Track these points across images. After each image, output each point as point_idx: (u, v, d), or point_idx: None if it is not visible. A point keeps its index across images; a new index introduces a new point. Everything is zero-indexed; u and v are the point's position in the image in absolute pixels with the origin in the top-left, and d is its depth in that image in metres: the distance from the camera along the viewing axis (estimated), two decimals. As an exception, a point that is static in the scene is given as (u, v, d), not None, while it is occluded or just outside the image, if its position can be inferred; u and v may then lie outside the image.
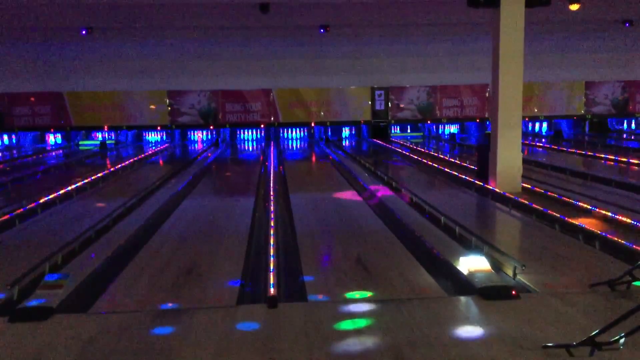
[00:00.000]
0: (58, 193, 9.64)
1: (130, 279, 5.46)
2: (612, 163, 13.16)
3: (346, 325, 4.21)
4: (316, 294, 4.98)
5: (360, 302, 4.69)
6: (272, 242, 6.23)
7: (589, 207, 7.87)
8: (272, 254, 5.77)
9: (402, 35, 16.14)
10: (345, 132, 21.62)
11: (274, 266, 5.33)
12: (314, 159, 16.65)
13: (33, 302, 4.59)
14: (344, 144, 19.59)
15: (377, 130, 20.42)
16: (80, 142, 20.66)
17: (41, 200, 8.95)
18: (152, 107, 19.42)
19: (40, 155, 17.72)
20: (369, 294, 4.94)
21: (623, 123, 21.96)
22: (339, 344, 3.87)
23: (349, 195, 9.93)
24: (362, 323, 4.24)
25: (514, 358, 3.62)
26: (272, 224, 7.10)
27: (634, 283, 4.77)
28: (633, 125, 21.87)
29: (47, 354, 3.82)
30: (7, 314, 4.46)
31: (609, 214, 7.40)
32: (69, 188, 10.20)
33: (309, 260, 6.00)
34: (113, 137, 20.90)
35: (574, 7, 11.74)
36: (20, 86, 18.94)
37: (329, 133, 20.91)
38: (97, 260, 6.01)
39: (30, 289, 4.94)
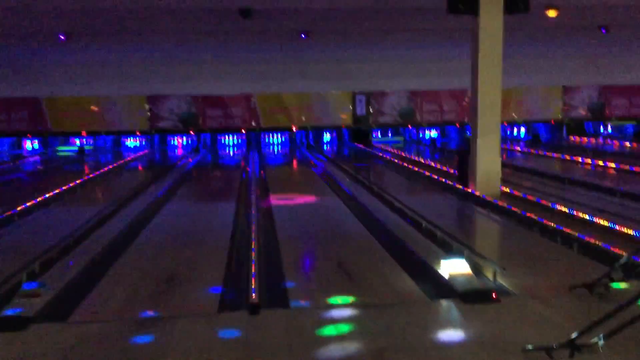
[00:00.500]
0: (35, 200, 9.49)
1: (109, 287, 5.39)
2: (589, 167, 13.36)
3: (328, 330, 4.21)
4: (298, 300, 4.96)
5: (342, 307, 4.68)
6: (253, 248, 6.20)
7: (566, 210, 7.97)
8: (253, 259, 5.74)
9: (383, 41, 16.22)
10: (327, 136, 21.66)
11: (255, 272, 5.31)
12: (295, 164, 16.65)
13: (10, 312, 4.51)
14: (325, 149, 19.62)
15: (358, 135, 20.49)
16: (59, 148, 20.40)
17: (18, 208, 8.80)
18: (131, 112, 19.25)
19: (17, 162, 17.47)
20: (350, 299, 4.93)
21: (599, 127, 22.32)
22: (321, 350, 3.87)
23: (331, 200, 9.94)
24: (344, 328, 4.24)
25: (495, 361, 3.65)
26: (253, 230, 7.08)
27: (612, 285, 4.83)
28: (610, 129, 22.24)
29: (24, 365, 3.76)
30: (-17, 324, 4.37)
31: (587, 216, 7.50)
32: (47, 195, 10.05)
33: (291, 265, 5.99)
34: (91, 143, 20.67)
35: (552, 13, 11.91)
36: (-3, 91, 18.66)
37: (310, 138, 20.92)
38: (75, 268, 5.93)
39: (7, 298, 4.85)
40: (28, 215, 8.81)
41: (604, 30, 14.07)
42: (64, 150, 20.16)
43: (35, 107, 19.03)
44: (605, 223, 7.09)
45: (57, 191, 10.50)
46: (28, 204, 9.18)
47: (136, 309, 4.80)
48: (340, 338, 4.08)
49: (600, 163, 13.25)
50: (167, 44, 16.20)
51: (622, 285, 4.84)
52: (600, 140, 20.00)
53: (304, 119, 19.88)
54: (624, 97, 20.95)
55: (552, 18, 12.00)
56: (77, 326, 4.42)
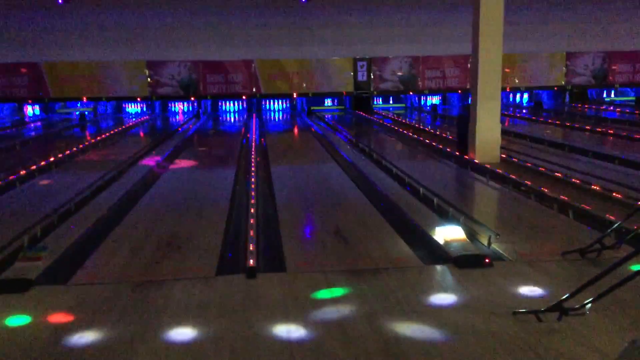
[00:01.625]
0: (36, 165, 9.55)
1: (109, 250, 5.48)
2: (589, 134, 13.33)
3: (323, 294, 4.29)
4: (295, 265, 5.04)
5: (337, 272, 4.76)
6: (252, 213, 6.27)
7: (564, 177, 8.01)
8: (251, 225, 5.81)
9: (384, 5, 16.04)
10: (328, 103, 21.56)
11: (253, 237, 5.39)
12: (295, 130, 16.63)
13: (12, 275, 4.60)
14: (325, 116, 19.56)
15: (359, 102, 20.37)
16: (59, 111, 20.40)
17: (20, 173, 8.87)
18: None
19: (19, 127, 17.48)
20: (346, 264, 5.01)
21: (603, 93, 22.18)
22: (315, 313, 3.95)
23: (330, 167, 9.98)
24: (339, 292, 4.33)
25: (486, 324, 3.73)
26: (253, 196, 7.14)
27: (603, 250, 4.90)
28: (612, 95, 22.11)
29: (26, 325, 3.86)
30: (-15, 287, 4.46)
31: (584, 183, 7.54)
32: (48, 160, 10.11)
33: (289, 231, 6.06)
34: (91, 111, 20.62)
35: (555, -23, 11.73)
36: (-4, 57, 18.56)
37: (311, 104, 20.84)
38: (76, 232, 6.01)
39: (9, 262, 4.94)
40: (29, 180, 8.88)
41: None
42: (63, 113, 20.13)
43: (35, 73, 18.94)
44: (602, 189, 7.13)
45: (58, 157, 10.55)
46: (29, 169, 9.24)
47: (135, 272, 4.89)
48: (334, 301, 4.17)
49: (601, 130, 13.22)
50: (168, 9, 16.05)
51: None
52: (603, 107, 19.89)
53: (304, 85, 19.77)
54: (628, 63, 20.75)
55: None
56: (77, 288, 4.52)
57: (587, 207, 6.32)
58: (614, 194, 6.92)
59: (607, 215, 5.93)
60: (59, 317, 3.96)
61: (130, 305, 4.14)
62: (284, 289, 4.40)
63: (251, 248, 5.06)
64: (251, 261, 4.80)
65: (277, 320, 3.86)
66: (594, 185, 7.38)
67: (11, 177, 8.60)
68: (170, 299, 4.24)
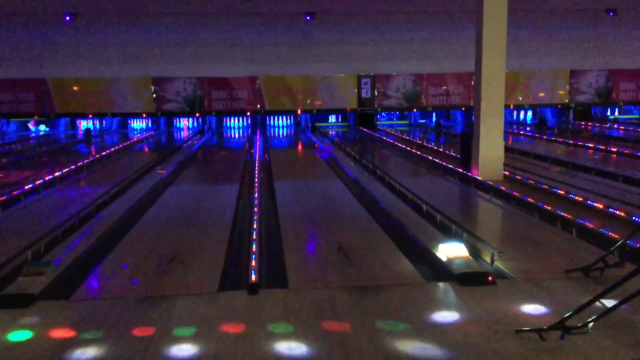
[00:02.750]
0: (42, 180, 9.60)
1: (113, 266, 5.49)
2: (593, 151, 13.33)
3: (325, 310, 4.28)
4: (297, 281, 5.04)
5: (340, 289, 4.75)
6: (254, 229, 6.28)
7: (567, 194, 8.00)
8: (254, 241, 5.82)
9: (388, 23, 16.16)
10: (332, 119, 21.63)
11: (256, 253, 5.39)
12: (299, 146, 16.68)
13: (15, 290, 4.61)
14: (329, 132, 19.62)
15: (363, 118, 20.44)
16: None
17: (25, 188, 8.92)
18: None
19: (25, 143, 17.58)
20: (349, 280, 5.00)
21: (607, 111, 22.19)
22: (317, 329, 3.94)
23: (334, 183, 9.99)
24: (341, 309, 4.31)
25: (488, 342, 3.72)
26: (256, 212, 7.15)
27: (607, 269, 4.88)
28: (617, 113, 22.11)
29: (28, 341, 3.86)
30: (-12, 301, 4.48)
31: (587, 201, 7.53)
32: (53, 175, 10.16)
33: (292, 247, 6.06)
34: (96, 125, 20.74)
35: (558, -4, 11.83)
36: (3, 72, 18.72)
37: (315, 121, 20.92)
38: (80, 247, 6.03)
39: (12, 277, 4.96)
40: (34, 195, 8.92)
41: (611, 14, 13.97)
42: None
43: (42, 89, 19.10)
44: (605, 208, 7.12)
45: (63, 172, 10.60)
46: (35, 183, 9.29)
47: (138, 287, 4.89)
48: (337, 318, 4.15)
49: (604, 148, 13.21)
50: (173, 25, 16.22)
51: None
52: (607, 124, 19.89)
53: (308, 101, 19.87)
54: (632, 80, 20.79)
55: (558, 1, 11.92)
56: (80, 304, 4.52)
57: (591, 225, 6.30)
58: (617, 211, 6.91)
59: (610, 233, 5.91)
60: (61, 333, 3.96)
61: (133, 321, 4.14)
62: (285, 305, 4.39)
63: (253, 264, 5.06)
64: (253, 277, 4.80)
65: (278, 336, 3.85)
66: (598, 203, 7.37)
67: (16, 192, 8.64)
68: (172, 315, 4.24)
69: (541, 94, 20.61)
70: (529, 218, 7.22)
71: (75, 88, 19.16)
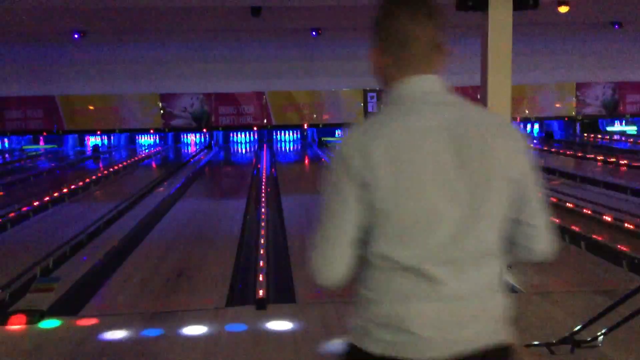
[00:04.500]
0: (50, 197, 9.66)
1: (120, 281, 5.50)
2: (601, 164, 13.29)
3: (334, 325, 4.27)
4: (305, 296, 5.03)
5: (349, 303, 4.73)
6: (262, 244, 6.28)
7: (575, 207, 7.97)
8: (262, 256, 5.83)
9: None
10: (338, 134, 21.67)
11: (263, 268, 5.39)
12: (306, 161, 16.72)
13: (24, 306, 4.63)
14: (336, 147, 19.62)
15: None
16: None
17: (33, 204, 8.97)
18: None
19: (33, 159, 17.72)
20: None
21: (613, 124, 22.14)
22: (325, 344, 3.93)
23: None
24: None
25: (497, 357, 3.68)
26: (263, 226, 7.16)
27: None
28: (624, 125, 22.04)
29: (36, 357, 3.87)
30: (-3, 317, 4.50)
31: (596, 214, 7.50)
32: (61, 192, 10.22)
33: (299, 262, 6.04)
34: (105, 141, 20.90)
35: (563, 9, 11.85)
36: (12, 90, 18.92)
37: (322, 135, 20.98)
38: (88, 263, 6.05)
39: (21, 292, 4.98)
40: (43, 212, 8.97)
41: (616, 26, 13.97)
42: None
43: (50, 106, 19.27)
44: (614, 221, 7.08)
45: (71, 188, 10.67)
46: (43, 200, 9.34)
47: (146, 303, 4.90)
48: (346, 333, 4.13)
49: (613, 160, 13.17)
50: (180, 42, 16.35)
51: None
52: (615, 137, 19.84)
53: (315, 116, 19.93)
54: (639, 93, 20.74)
55: (563, 13, 11.94)
56: (88, 320, 4.53)
57: (599, 238, 6.27)
58: (625, 224, 6.87)
59: (619, 247, 5.88)
60: (69, 348, 3.97)
61: (140, 337, 4.14)
62: (293, 320, 4.38)
63: (261, 279, 5.06)
64: (261, 292, 4.79)
65: (287, 351, 3.84)
66: (606, 216, 7.34)
67: (24, 209, 8.70)
68: (180, 331, 4.23)
69: (548, 107, 20.60)
70: (537, 231, 7.18)
71: (83, 105, 19.32)
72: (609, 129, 21.70)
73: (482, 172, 1.48)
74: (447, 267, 1.48)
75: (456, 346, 1.51)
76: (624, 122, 21.93)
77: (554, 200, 8.60)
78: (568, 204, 8.20)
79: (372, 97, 20.11)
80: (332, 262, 1.53)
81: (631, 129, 21.54)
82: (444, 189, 1.45)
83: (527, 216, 1.62)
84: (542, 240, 1.64)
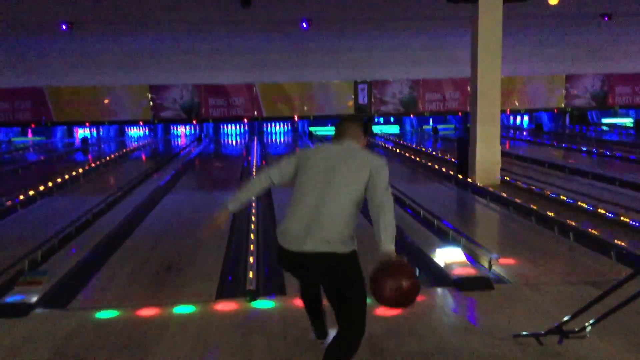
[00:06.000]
0: (38, 189, 9.58)
1: (110, 274, 5.47)
2: (591, 155, 13.36)
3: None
4: (295, 288, 5.02)
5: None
6: (252, 237, 6.27)
7: (564, 199, 8.01)
8: (252, 248, 5.81)
9: (384, 29, 16.18)
10: (329, 126, 21.65)
11: (253, 261, 5.38)
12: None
13: (12, 299, 4.60)
14: (327, 137, 19.64)
15: (360, 124, 20.38)
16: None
17: (20, 197, 8.90)
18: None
19: (21, 151, 17.56)
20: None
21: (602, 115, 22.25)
22: (313, 335, 3.92)
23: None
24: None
25: (486, 347, 3.71)
26: (253, 219, 7.14)
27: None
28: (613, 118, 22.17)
29: (25, 349, 3.84)
30: (-15, 311, 4.46)
31: (584, 205, 7.54)
32: (49, 184, 10.14)
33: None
34: (93, 133, 20.76)
35: (553, 1, 11.88)
36: (0, 81, 18.71)
37: (312, 127, 20.93)
38: (76, 256, 6.01)
39: (9, 286, 4.94)
40: (31, 204, 8.90)
41: (606, 18, 14.02)
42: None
43: (39, 97, 19.09)
44: (603, 212, 7.13)
45: (60, 180, 10.59)
46: (31, 193, 9.27)
47: (135, 296, 4.88)
48: (335, 325, 4.13)
49: (602, 151, 13.25)
50: (169, 33, 16.21)
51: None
52: (604, 128, 19.95)
53: (305, 108, 19.89)
54: (628, 85, 20.85)
55: (553, 5, 11.97)
56: (77, 313, 4.51)
57: (588, 229, 6.31)
58: (614, 215, 6.92)
59: (607, 238, 5.92)
60: (58, 342, 3.95)
61: (129, 330, 4.13)
62: (284, 313, 4.38)
63: (251, 272, 5.05)
64: (251, 285, 4.79)
65: (276, 342, 3.84)
66: (594, 207, 7.38)
67: (12, 201, 8.62)
68: (169, 323, 4.22)
69: (537, 99, 20.66)
70: (526, 223, 7.23)
71: (72, 96, 19.15)
72: (604, 120, 21.83)
73: (346, 168, 3.13)
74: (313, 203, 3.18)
75: (305, 247, 3.07)
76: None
77: (544, 191, 8.64)
78: (556, 196, 8.24)
79: (362, 89, 20.08)
80: (268, 169, 3.54)
81: (627, 121, 21.67)
82: (318, 171, 3.20)
83: (372, 194, 3.06)
84: (383, 202, 3.03)
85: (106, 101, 19.21)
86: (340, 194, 3.06)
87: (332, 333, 3.72)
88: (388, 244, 2.92)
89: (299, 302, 4.57)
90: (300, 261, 3.11)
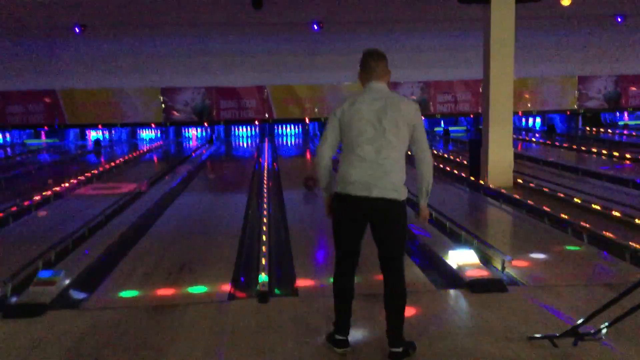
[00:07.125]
0: (52, 190, 9.66)
1: (123, 275, 5.50)
2: (604, 157, 13.25)
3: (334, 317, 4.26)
4: (307, 289, 5.03)
5: (350, 296, 4.72)
6: (264, 238, 6.28)
7: (578, 201, 7.95)
8: (264, 249, 5.82)
9: (395, 31, 16.18)
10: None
11: (265, 261, 5.39)
12: (308, 155, 16.69)
13: (27, 299, 4.63)
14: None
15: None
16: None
17: (35, 198, 8.97)
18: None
19: (35, 153, 17.71)
20: (359, 288, 4.98)
21: (616, 117, 22.07)
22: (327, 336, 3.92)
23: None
24: (352, 317, 4.29)
25: (500, 350, 3.69)
26: (265, 220, 7.15)
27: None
28: (626, 119, 21.98)
29: (40, 349, 3.87)
30: (0, 310, 4.50)
31: (598, 207, 7.48)
32: (63, 185, 10.22)
33: (301, 255, 6.06)
34: (106, 135, 20.89)
35: (566, 2, 11.82)
36: (13, 84, 18.90)
37: (323, 129, 20.93)
38: (90, 256, 6.05)
39: (24, 286, 4.98)
40: (44, 205, 8.97)
41: (618, 19, 13.92)
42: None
43: (52, 100, 19.25)
44: (617, 214, 7.07)
45: (73, 181, 10.67)
46: (45, 193, 9.35)
47: (149, 296, 4.90)
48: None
49: (616, 154, 13.14)
50: (182, 36, 16.31)
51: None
52: (617, 130, 19.77)
53: (316, 110, 19.90)
54: (641, 86, 20.67)
55: (566, 6, 11.90)
56: (91, 313, 4.53)
57: (602, 232, 6.26)
58: (628, 217, 6.85)
59: (622, 240, 5.86)
60: (73, 341, 3.97)
61: (143, 330, 4.15)
62: (295, 314, 4.38)
63: (263, 273, 5.06)
64: (263, 286, 4.79)
65: (289, 345, 3.85)
66: (608, 209, 7.32)
67: (26, 203, 8.70)
68: (183, 324, 4.24)
69: (550, 101, 20.53)
70: (539, 225, 7.18)
71: (84, 99, 19.29)
72: (620, 123, 21.65)
73: (390, 120, 3.48)
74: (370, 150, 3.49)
75: (374, 192, 3.46)
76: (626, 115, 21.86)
77: (557, 194, 8.58)
78: (570, 198, 8.18)
79: (373, 91, 20.01)
80: (324, 149, 3.69)
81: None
82: (367, 124, 3.49)
83: (415, 149, 3.60)
84: (424, 156, 3.57)
85: (118, 104, 19.33)
86: (393, 144, 3.46)
87: (336, 336, 3.72)
88: (422, 200, 3.67)
89: (310, 303, 4.59)
90: (363, 206, 3.50)
